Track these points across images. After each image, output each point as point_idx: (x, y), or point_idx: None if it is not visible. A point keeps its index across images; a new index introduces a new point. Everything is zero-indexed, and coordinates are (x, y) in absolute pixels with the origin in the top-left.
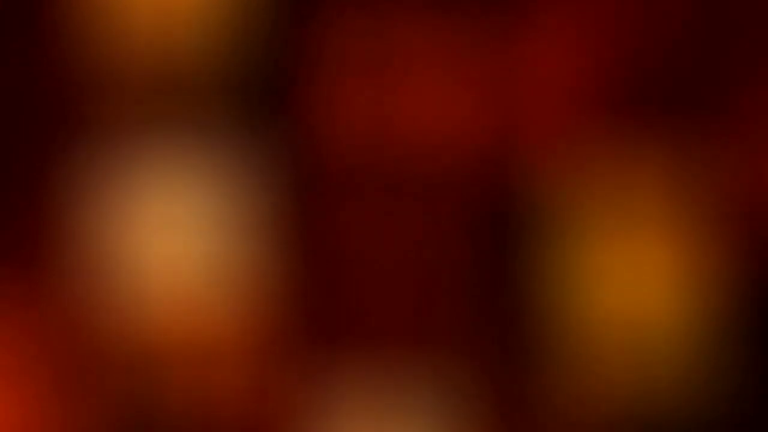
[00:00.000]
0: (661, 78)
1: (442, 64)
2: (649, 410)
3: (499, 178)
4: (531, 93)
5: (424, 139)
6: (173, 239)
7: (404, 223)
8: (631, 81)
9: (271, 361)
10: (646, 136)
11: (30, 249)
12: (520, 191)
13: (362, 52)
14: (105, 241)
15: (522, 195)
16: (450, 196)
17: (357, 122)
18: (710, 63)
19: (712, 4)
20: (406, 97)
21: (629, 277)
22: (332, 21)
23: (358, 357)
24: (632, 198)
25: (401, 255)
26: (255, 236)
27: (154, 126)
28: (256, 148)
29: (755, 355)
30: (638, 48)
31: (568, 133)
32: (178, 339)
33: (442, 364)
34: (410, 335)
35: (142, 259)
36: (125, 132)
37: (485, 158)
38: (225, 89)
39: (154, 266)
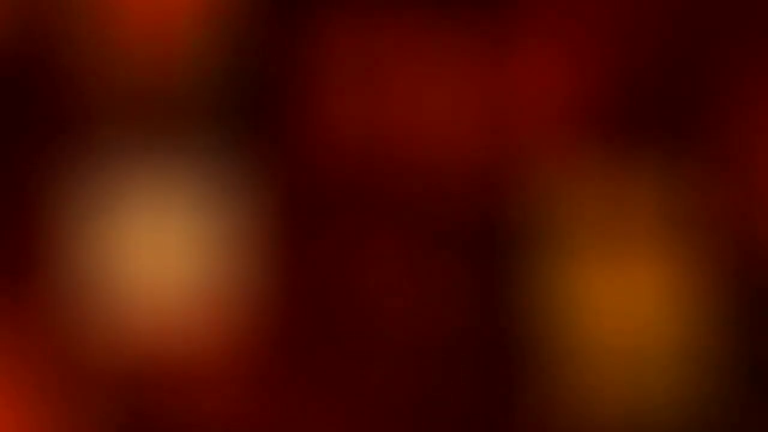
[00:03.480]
0: (655, 96)
1: (433, 79)
2: (643, 430)
3: (491, 196)
4: (524, 109)
5: (415, 156)
6: (162, 258)
7: (394, 240)
8: (625, 99)
9: (257, 382)
10: (639, 155)
11: (17, 268)
12: (513, 209)
13: (353, 68)
14: (93, 260)
15: (514, 213)
16: (441, 214)
17: (347, 140)
18: (703, 82)
19: (707, 23)
20: (397, 112)
21: (621, 296)
22: (322, 35)
23: (345, 375)
24: (625, 216)
25: (390, 272)
26: (244, 255)
27: (142, 145)
28: (245, 166)
29: (749, 374)
30: (631, 67)
31: (562, 151)
32: (165, 358)
33: (432, 383)
34: (399, 352)
35: (130, 278)
36: (114, 150)
37: (477, 177)
38: (213, 107)
39: (142, 285)
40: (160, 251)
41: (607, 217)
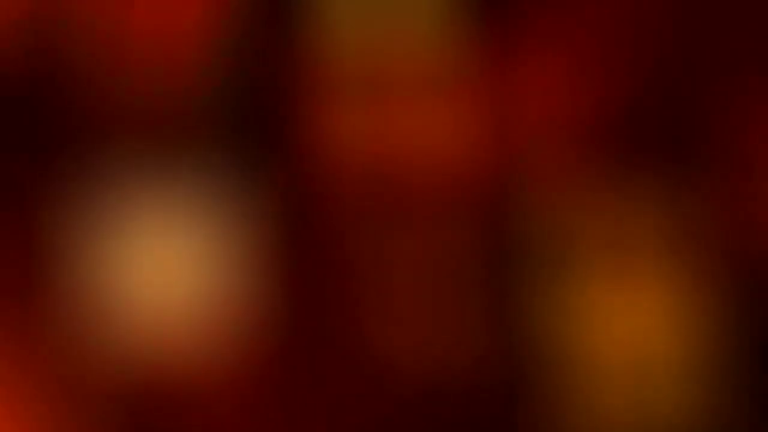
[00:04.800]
0: (658, 113)
1: (438, 95)
2: None
3: (495, 211)
4: (528, 126)
5: (419, 171)
6: (166, 273)
7: (400, 255)
8: (629, 116)
9: (261, 397)
10: (642, 171)
11: (21, 282)
12: (517, 225)
13: (358, 83)
14: (97, 275)
15: (518, 229)
16: (445, 229)
17: (352, 156)
18: (707, 100)
19: (712, 43)
20: (401, 127)
21: (625, 312)
22: (327, 50)
23: (349, 390)
24: (628, 233)
25: (396, 287)
26: (249, 271)
27: (146, 160)
28: (250, 181)
29: (753, 389)
30: (636, 84)
31: (566, 168)
32: (169, 373)
33: (441, 401)
34: (404, 367)
35: (134, 292)
36: (118, 166)
37: (482, 192)
38: (218, 123)
39: (146, 300)
40: (165, 266)
41: (611, 234)
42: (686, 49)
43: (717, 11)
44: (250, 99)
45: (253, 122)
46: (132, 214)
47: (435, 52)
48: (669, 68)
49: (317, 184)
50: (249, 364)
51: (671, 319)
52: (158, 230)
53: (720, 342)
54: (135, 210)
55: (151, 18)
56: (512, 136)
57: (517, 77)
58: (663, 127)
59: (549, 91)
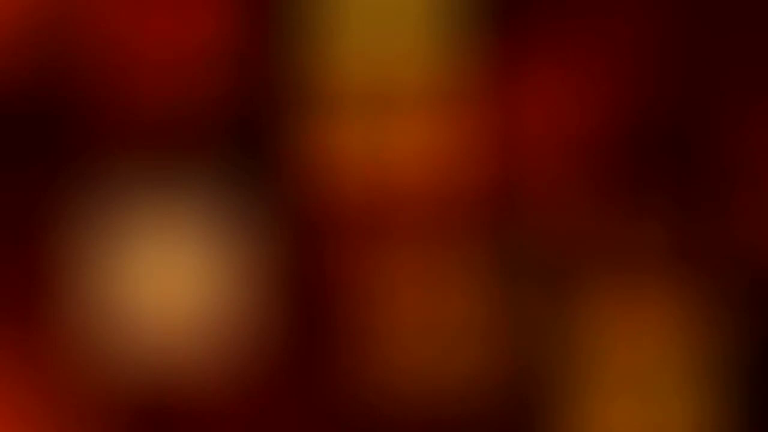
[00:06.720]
0: (664, 132)
1: (441, 112)
2: None
3: (499, 228)
4: (532, 143)
5: (422, 188)
6: (170, 289)
7: (403, 270)
8: (634, 134)
9: (265, 412)
10: (648, 188)
11: (25, 297)
12: (522, 240)
13: (359, 99)
14: (101, 291)
15: (523, 244)
16: (450, 245)
17: (354, 172)
18: (712, 116)
19: (716, 58)
20: (404, 142)
21: (632, 329)
22: (331, 65)
23: (352, 403)
24: (634, 249)
25: (399, 302)
26: (252, 285)
27: (150, 176)
28: (253, 196)
29: (762, 409)
30: (641, 100)
31: (571, 184)
32: (172, 388)
33: (443, 418)
34: (410, 383)
35: (138, 308)
36: (122, 181)
37: (486, 208)
38: (221, 138)
39: (150, 315)
40: (168, 278)
41: (616, 248)
42: (692, 64)
43: (723, 27)
44: (255, 114)
45: (257, 138)
46: (136, 227)
47: (438, 66)
48: (675, 84)
49: (320, 198)
50: (250, 375)
51: (678, 333)
52: (162, 243)
53: (728, 356)
54: (139, 223)
55: (156, 34)
56: (516, 152)
57: (521, 93)
58: (668, 143)
59: (553, 108)
